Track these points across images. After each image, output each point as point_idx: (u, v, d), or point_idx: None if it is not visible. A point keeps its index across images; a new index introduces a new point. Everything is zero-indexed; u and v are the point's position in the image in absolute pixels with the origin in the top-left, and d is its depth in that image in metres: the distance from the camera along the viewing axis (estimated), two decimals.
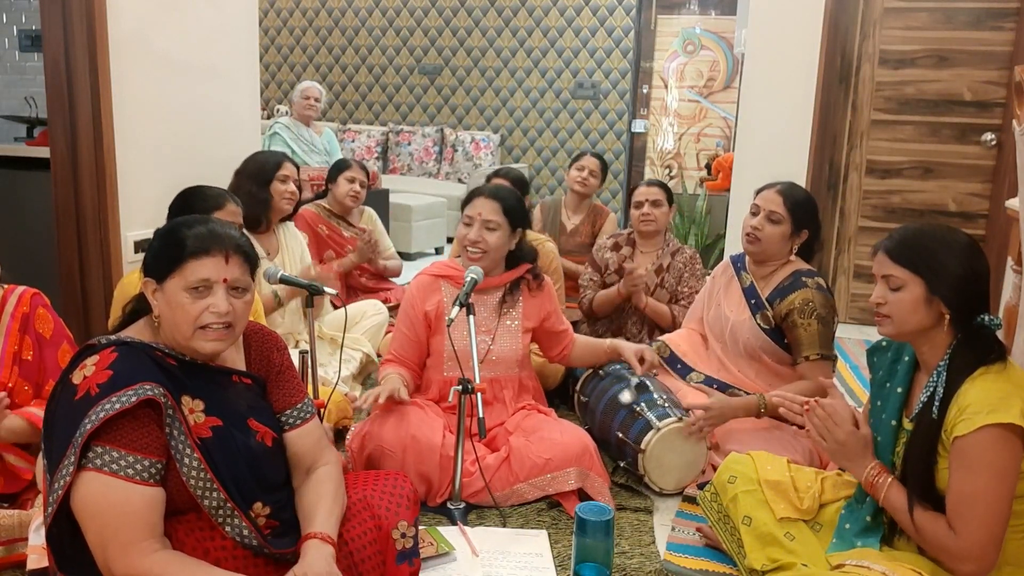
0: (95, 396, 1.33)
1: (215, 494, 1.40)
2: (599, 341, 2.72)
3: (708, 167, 6.41)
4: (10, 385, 1.93)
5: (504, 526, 2.15)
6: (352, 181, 3.73)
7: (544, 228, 3.98)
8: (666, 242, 3.31)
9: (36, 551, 1.69)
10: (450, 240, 6.11)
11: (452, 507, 2.18)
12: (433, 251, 6.23)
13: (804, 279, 2.48)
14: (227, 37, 3.41)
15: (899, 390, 1.72)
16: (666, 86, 6.92)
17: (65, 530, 1.35)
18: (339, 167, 3.79)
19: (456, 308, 2.18)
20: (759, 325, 2.53)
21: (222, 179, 3.04)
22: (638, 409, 2.40)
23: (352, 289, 3.88)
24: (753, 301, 2.56)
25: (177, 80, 3.15)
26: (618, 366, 2.65)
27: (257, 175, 2.99)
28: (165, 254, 1.45)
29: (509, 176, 3.44)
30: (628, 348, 2.61)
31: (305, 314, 2.39)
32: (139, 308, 1.52)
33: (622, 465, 2.45)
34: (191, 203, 2.40)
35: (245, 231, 1.75)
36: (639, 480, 2.39)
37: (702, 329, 2.79)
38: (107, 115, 2.82)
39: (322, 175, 4.02)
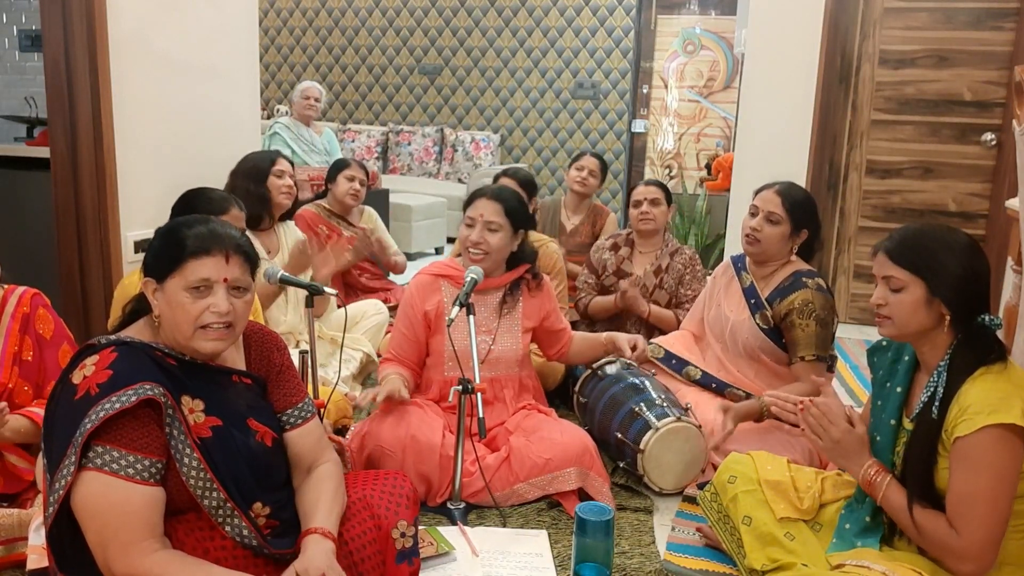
0: (95, 396, 1.33)
1: (215, 494, 1.40)
2: (595, 335, 2.72)
3: (708, 167, 6.41)
4: (10, 386, 1.93)
5: (504, 526, 2.15)
6: (352, 179, 3.73)
7: (543, 228, 3.97)
8: (665, 242, 3.31)
9: (36, 551, 1.69)
10: (450, 240, 6.11)
11: (452, 507, 2.18)
12: (433, 251, 6.23)
13: (804, 279, 2.48)
14: (227, 37, 3.41)
15: (899, 390, 1.72)
16: (666, 86, 6.93)
17: (65, 530, 1.35)
18: (338, 166, 3.79)
19: (456, 308, 2.18)
20: (758, 325, 2.53)
21: (222, 179, 3.05)
22: (637, 409, 2.40)
23: (352, 289, 3.88)
24: (753, 301, 2.56)
25: (177, 80, 3.15)
26: (617, 365, 2.65)
27: (253, 172, 3.01)
28: (165, 254, 1.45)
29: (517, 176, 3.41)
30: (622, 336, 2.60)
31: (305, 314, 2.39)
32: (139, 308, 1.52)
33: (622, 465, 2.45)
34: (194, 206, 2.40)
35: (246, 231, 1.75)
36: (639, 480, 2.39)
37: (699, 330, 2.80)
38: (107, 115, 2.82)
39: (322, 175, 4.02)
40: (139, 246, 2.96)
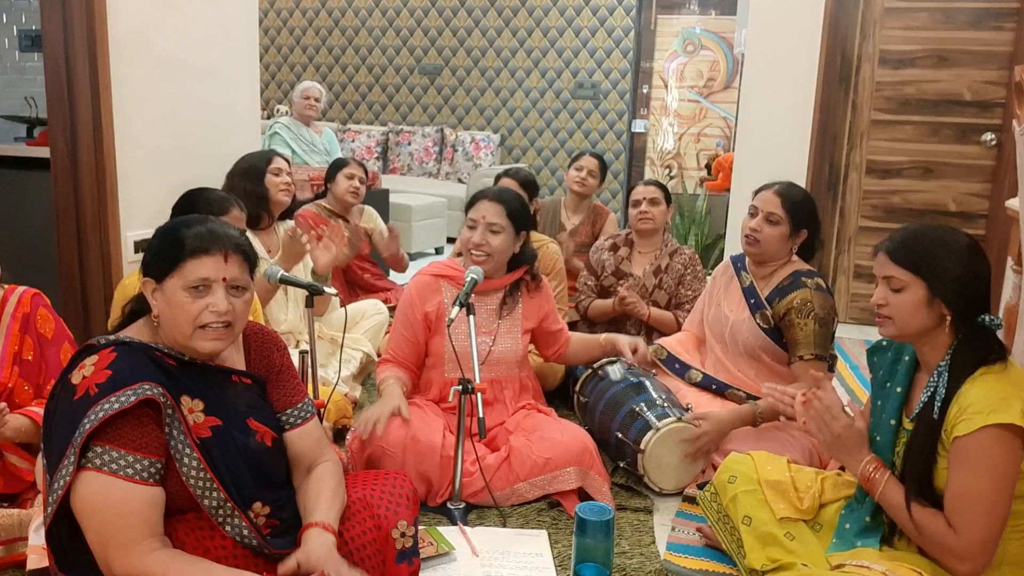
0: (94, 396, 1.33)
1: (215, 494, 1.40)
2: (594, 337, 2.72)
3: (708, 167, 6.41)
4: (10, 385, 1.93)
5: (504, 526, 2.15)
6: (351, 178, 3.73)
7: (543, 228, 3.97)
8: (664, 242, 3.31)
9: (36, 551, 1.69)
10: (451, 240, 6.11)
11: (452, 507, 2.18)
12: (433, 251, 6.23)
13: (804, 279, 2.48)
14: (227, 37, 3.41)
15: (899, 390, 1.73)
16: (666, 86, 6.93)
17: (65, 530, 1.36)
18: (337, 165, 3.79)
19: (456, 308, 2.18)
20: (758, 325, 2.53)
21: (222, 179, 3.05)
22: (637, 409, 2.40)
23: (355, 287, 3.88)
24: (752, 301, 2.56)
25: (177, 80, 3.15)
26: (617, 366, 2.65)
27: (249, 172, 3.02)
28: (164, 254, 1.45)
29: (518, 177, 3.41)
30: (622, 339, 2.61)
31: (305, 313, 2.39)
32: (138, 308, 1.52)
33: (622, 465, 2.45)
34: (195, 206, 2.40)
35: (246, 231, 1.75)
36: (639, 480, 2.39)
37: (700, 331, 2.80)
38: (107, 115, 2.82)
39: (321, 175, 4.02)
40: (139, 246, 2.96)
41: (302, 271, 2.98)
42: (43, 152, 3.01)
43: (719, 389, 2.60)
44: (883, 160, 4.30)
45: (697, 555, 2.07)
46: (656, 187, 3.30)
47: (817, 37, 4.02)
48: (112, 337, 1.44)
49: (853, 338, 4.14)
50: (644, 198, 3.26)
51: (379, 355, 3.08)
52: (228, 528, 1.42)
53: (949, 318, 1.61)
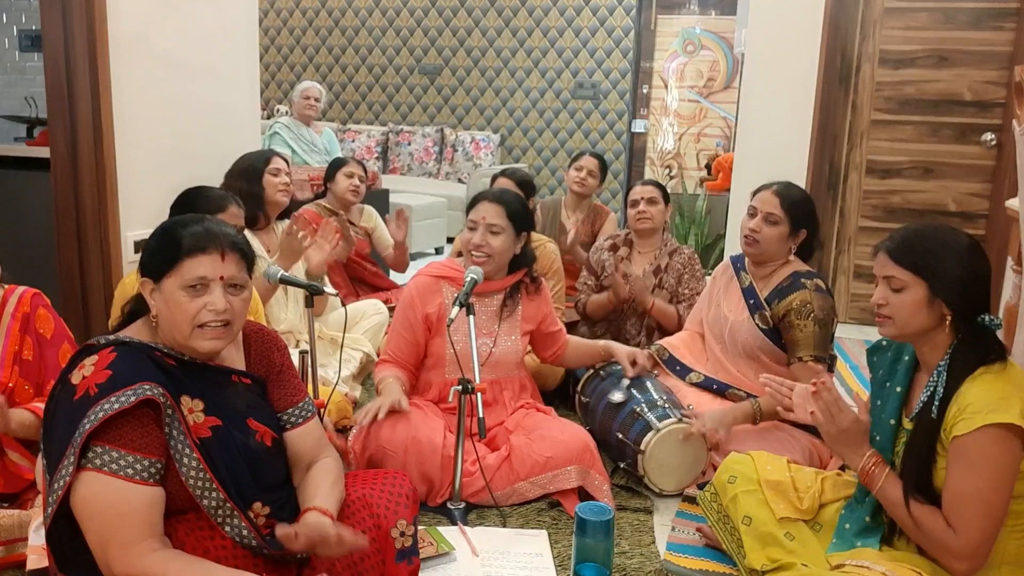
0: (94, 396, 1.33)
1: (214, 494, 1.40)
2: (592, 342, 2.72)
3: (708, 167, 6.41)
4: (11, 385, 1.94)
5: (504, 526, 2.15)
6: (351, 176, 3.73)
7: (543, 228, 3.97)
8: (664, 242, 3.31)
9: (36, 551, 1.69)
10: (451, 240, 6.11)
11: (452, 507, 2.18)
12: (433, 251, 6.23)
13: (803, 280, 2.48)
14: (227, 37, 3.41)
15: (899, 390, 1.73)
16: (666, 86, 6.93)
17: (65, 530, 1.35)
18: (336, 164, 3.79)
19: (456, 308, 2.18)
20: (757, 325, 2.53)
21: (222, 179, 3.05)
22: (638, 410, 2.40)
23: (359, 283, 3.88)
24: (752, 301, 2.56)
25: (177, 80, 3.15)
26: (619, 367, 2.65)
27: (247, 171, 3.02)
28: (161, 253, 1.45)
29: (515, 177, 3.41)
30: (621, 350, 2.61)
31: (305, 313, 2.39)
32: (137, 308, 1.52)
33: (622, 466, 2.45)
34: (193, 204, 2.40)
35: (244, 229, 1.75)
36: (639, 481, 2.39)
37: (702, 330, 2.79)
38: (107, 115, 2.82)
39: (322, 175, 4.02)
40: (139, 246, 2.96)
41: (300, 270, 2.98)
42: (43, 152, 3.01)
43: (719, 389, 2.60)
44: (883, 160, 4.30)
45: (697, 555, 2.07)
46: (654, 187, 3.30)
47: (817, 37, 4.02)
48: (112, 337, 1.44)
49: (853, 338, 4.14)
50: (642, 198, 3.26)
51: (378, 355, 3.09)
52: (228, 528, 1.42)
53: (949, 318, 1.61)
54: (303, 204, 3.81)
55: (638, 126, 6.91)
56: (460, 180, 6.86)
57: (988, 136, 4.12)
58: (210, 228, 1.47)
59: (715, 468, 2.10)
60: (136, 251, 2.96)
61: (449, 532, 2.05)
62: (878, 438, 1.73)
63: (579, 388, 2.78)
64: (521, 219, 2.42)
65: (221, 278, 1.45)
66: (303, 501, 1.53)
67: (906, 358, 1.75)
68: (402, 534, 1.60)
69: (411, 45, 7.20)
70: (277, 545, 1.45)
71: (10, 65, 6.53)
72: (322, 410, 2.32)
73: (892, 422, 1.71)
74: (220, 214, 2.38)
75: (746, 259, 2.62)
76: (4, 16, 6.49)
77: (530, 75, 6.84)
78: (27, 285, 2.07)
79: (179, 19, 3.13)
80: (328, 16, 7.45)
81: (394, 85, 7.35)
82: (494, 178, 3.56)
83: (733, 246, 4.05)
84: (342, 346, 2.67)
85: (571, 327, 3.22)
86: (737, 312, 2.60)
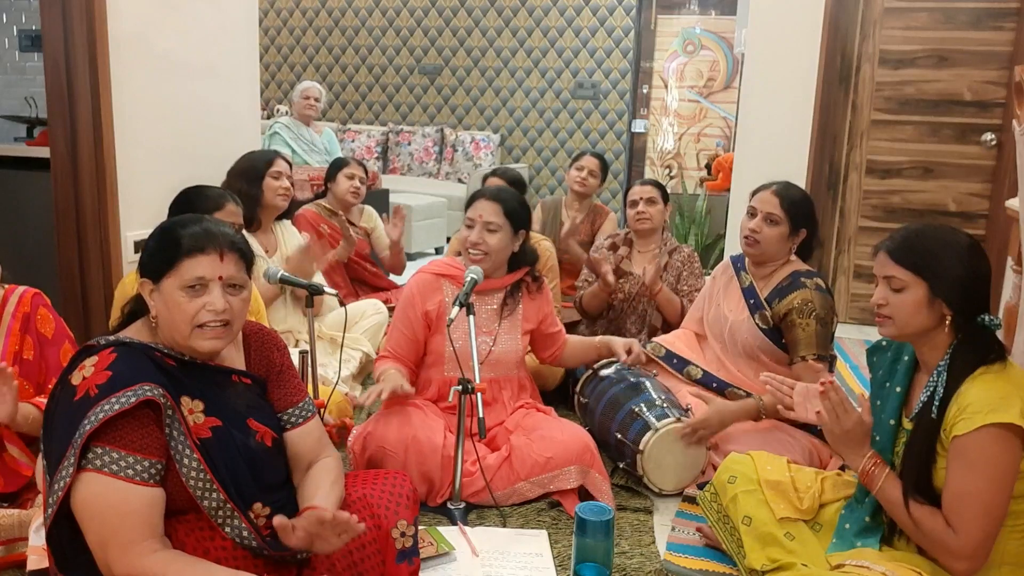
0: (94, 397, 1.33)
1: (214, 495, 1.40)
2: (590, 339, 2.72)
3: (708, 167, 6.41)
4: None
5: (504, 526, 2.15)
6: (351, 177, 3.73)
7: (544, 227, 3.98)
8: (664, 241, 3.31)
9: (36, 552, 1.69)
10: (449, 240, 6.11)
11: (452, 507, 2.18)
12: (433, 251, 6.23)
13: (803, 279, 2.48)
14: (227, 37, 3.41)
15: (899, 390, 1.73)
16: (666, 86, 6.93)
17: (65, 531, 1.35)
18: (337, 165, 3.79)
19: (456, 308, 2.18)
20: (757, 325, 2.53)
21: (222, 179, 3.05)
22: (637, 410, 2.40)
23: (360, 284, 3.88)
24: (752, 301, 2.56)
25: (177, 80, 3.15)
26: (617, 366, 2.65)
27: (248, 172, 3.00)
28: (160, 254, 1.45)
29: (506, 176, 3.42)
30: (617, 341, 2.62)
31: (305, 313, 2.39)
32: (137, 309, 1.52)
33: (621, 466, 2.45)
34: (191, 203, 2.40)
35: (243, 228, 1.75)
36: (638, 481, 2.39)
37: (700, 329, 2.79)
38: (107, 115, 2.82)
39: (321, 175, 4.03)
40: (139, 246, 2.94)
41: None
42: (43, 152, 3.01)
43: (719, 387, 2.60)
44: (883, 160, 4.30)
45: (697, 555, 2.07)
46: (653, 187, 3.29)
47: (817, 37, 4.02)
48: (112, 338, 1.44)
49: (853, 338, 4.14)
50: (641, 198, 3.25)
51: (378, 354, 3.09)
52: (228, 529, 1.42)
53: (949, 318, 1.61)
54: (303, 204, 3.80)
55: (638, 126, 6.91)
56: (460, 180, 6.86)
57: (988, 136, 4.12)
58: (209, 228, 1.47)
59: (715, 468, 2.10)
60: (136, 251, 2.96)
61: (449, 532, 2.05)
62: (878, 438, 1.73)
63: (578, 388, 2.78)
64: (519, 218, 2.42)
65: (220, 278, 1.45)
66: (303, 501, 1.53)
67: (906, 358, 1.75)
68: (403, 534, 1.60)
69: (411, 45, 7.20)
70: (277, 546, 1.45)
71: (10, 65, 6.54)
72: (322, 410, 2.32)
73: (892, 422, 1.71)
74: (217, 212, 2.37)
75: (746, 259, 2.62)
76: (4, 16, 6.49)
77: (530, 75, 6.84)
78: (27, 285, 2.07)
79: (179, 19, 3.13)
80: (328, 16, 7.45)
81: (394, 85, 7.35)
82: (485, 178, 3.56)
83: (733, 246, 4.05)
84: (342, 346, 2.67)
85: (571, 327, 3.22)
86: (737, 312, 2.60)
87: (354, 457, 2.26)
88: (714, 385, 2.62)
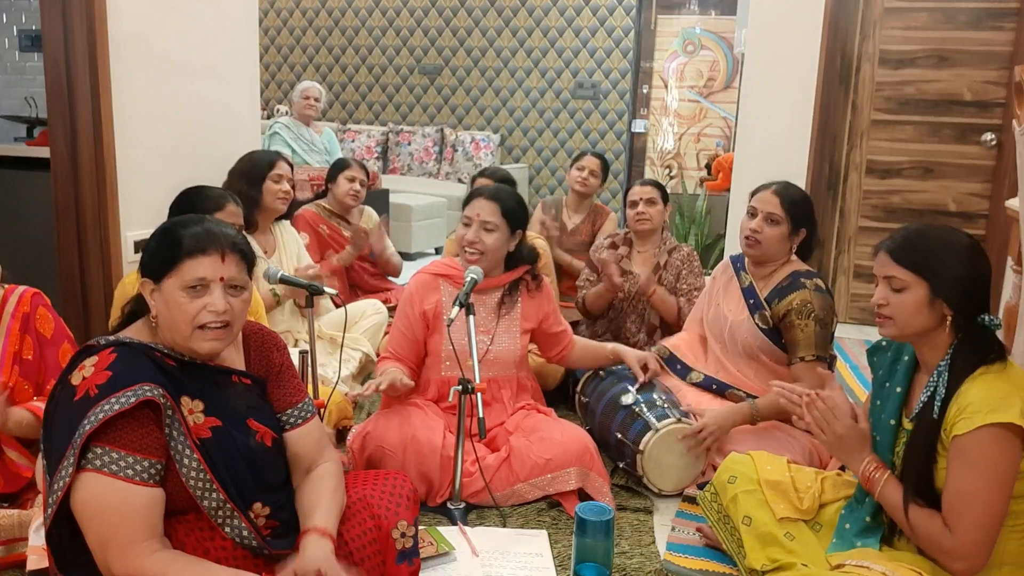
0: (94, 397, 1.33)
1: (214, 495, 1.40)
2: (601, 345, 2.71)
3: (708, 167, 6.41)
4: (10, 385, 1.94)
5: (504, 526, 2.15)
6: (352, 180, 3.73)
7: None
8: (663, 240, 3.31)
9: (36, 552, 1.69)
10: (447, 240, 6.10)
11: (452, 507, 2.18)
12: (433, 251, 6.23)
13: (803, 280, 2.48)
14: (227, 37, 3.41)
15: (899, 390, 1.72)
16: (666, 86, 6.92)
17: (65, 531, 1.35)
18: (338, 166, 3.79)
19: (456, 308, 2.18)
20: (757, 325, 2.53)
21: (222, 179, 3.05)
22: (637, 410, 2.40)
23: (355, 287, 3.88)
24: (752, 301, 2.56)
25: (177, 80, 3.14)
26: (619, 366, 2.64)
27: (249, 173, 2.99)
28: (161, 254, 1.45)
29: (495, 176, 3.41)
30: (631, 355, 2.60)
31: (304, 313, 2.39)
32: (137, 309, 1.52)
33: (621, 466, 2.45)
34: (192, 203, 2.40)
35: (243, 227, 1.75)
36: (638, 481, 2.39)
37: (702, 330, 2.79)
38: (107, 115, 2.82)
39: (322, 175, 4.03)
40: (139, 246, 2.96)
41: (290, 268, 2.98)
42: (43, 152, 3.01)
43: (719, 389, 2.60)
44: (883, 160, 4.30)
45: (697, 555, 2.07)
46: (653, 187, 3.29)
47: (817, 37, 4.02)
48: (112, 338, 1.44)
49: (853, 338, 4.14)
50: (641, 199, 3.25)
51: (378, 355, 3.09)
52: (228, 529, 1.42)
53: (950, 318, 1.61)
54: (303, 204, 3.80)
55: (638, 126, 6.91)
56: (460, 180, 6.86)
57: (988, 136, 4.12)
58: (210, 229, 1.47)
59: (715, 468, 2.10)
60: (136, 251, 2.96)
61: (449, 532, 2.05)
62: (878, 438, 1.73)
63: (579, 388, 2.78)
64: (516, 218, 2.42)
65: (221, 279, 1.45)
66: (302, 513, 1.52)
67: (906, 358, 1.75)
68: (403, 535, 1.60)
69: (411, 45, 7.20)
70: (277, 545, 1.46)
71: (10, 65, 6.54)
72: (322, 410, 2.32)
73: (892, 422, 1.71)
74: (218, 212, 2.37)
75: (746, 259, 2.62)
76: (4, 16, 6.49)
77: (530, 75, 6.84)
78: (27, 285, 2.07)
79: (179, 19, 3.13)
80: (328, 16, 7.45)
81: (394, 85, 7.34)
82: (473, 179, 3.56)
83: (733, 246, 4.05)
84: (342, 346, 2.67)
85: (571, 327, 3.21)
86: (737, 312, 2.60)
87: (353, 456, 2.26)
88: (714, 387, 2.62)
